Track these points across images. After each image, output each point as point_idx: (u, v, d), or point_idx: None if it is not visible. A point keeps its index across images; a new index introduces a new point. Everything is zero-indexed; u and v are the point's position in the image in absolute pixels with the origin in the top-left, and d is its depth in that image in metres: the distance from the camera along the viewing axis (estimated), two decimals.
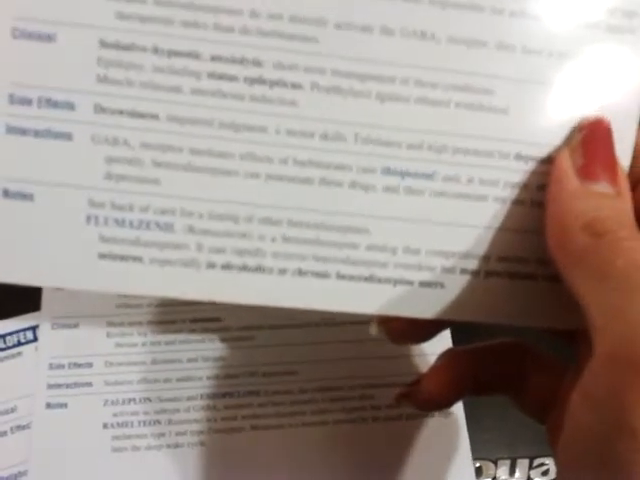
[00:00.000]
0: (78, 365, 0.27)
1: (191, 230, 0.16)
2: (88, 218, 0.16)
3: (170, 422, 0.26)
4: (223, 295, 0.17)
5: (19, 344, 0.27)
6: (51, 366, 0.27)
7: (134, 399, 0.26)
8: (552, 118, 0.17)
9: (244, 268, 0.17)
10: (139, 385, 0.27)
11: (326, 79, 0.16)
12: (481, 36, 0.16)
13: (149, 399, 0.27)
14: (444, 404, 0.20)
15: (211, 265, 0.16)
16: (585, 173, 0.16)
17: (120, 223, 0.16)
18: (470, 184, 0.17)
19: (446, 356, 0.20)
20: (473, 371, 0.20)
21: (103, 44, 0.15)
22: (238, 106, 0.16)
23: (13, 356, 0.27)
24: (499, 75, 0.16)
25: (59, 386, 0.26)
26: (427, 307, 0.17)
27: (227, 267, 0.16)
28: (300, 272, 0.17)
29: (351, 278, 0.17)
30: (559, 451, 0.15)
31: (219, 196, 0.16)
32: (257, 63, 0.16)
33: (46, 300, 0.28)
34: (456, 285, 0.17)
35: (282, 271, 0.17)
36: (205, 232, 0.16)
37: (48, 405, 0.26)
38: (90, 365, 0.27)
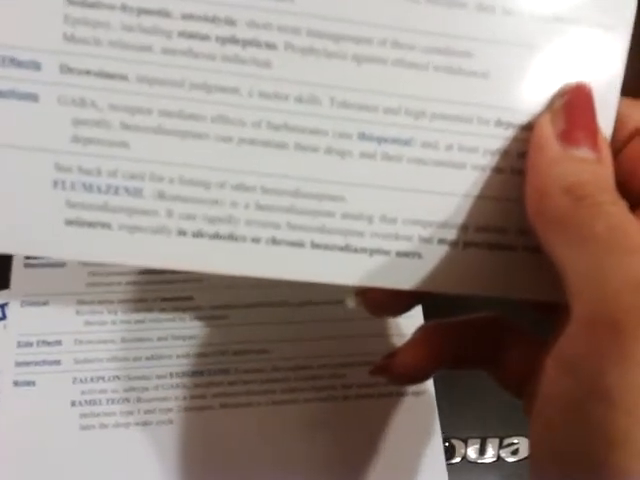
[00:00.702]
0: (47, 343, 0.26)
1: (161, 196, 0.16)
2: (55, 183, 0.15)
3: (139, 400, 0.26)
4: (193, 264, 0.16)
5: None
6: (19, 344, 0.26)
7: (103, 377, 0.26)
8: (533, 84, 0.16)
9: (216, 236, 0.16)
10: (108, 363, 0.26)
11: (301, 39, 0.15)
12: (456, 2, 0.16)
13: (118, 377, 0.26)
14: (420, 377, 0.20)
15: (182, 232, 0.16)
16: (566, 138, 0.15)
17: (88, 188, 0.15)
18: (449, 151, 0.16)
19: (423, 330, 0.20)
20: (450, 345, 0.20)
21: (70, 1, 0.15)
22: (210, 66, 0.15)
23: None
24: (479, 38, 0.16)
25: (27, 364, 0.26)
26: (404, 278, 0.17)
27: (198, 235, 0.16)
28: (274, 241, 0.16)
29: (326, 247, 0.16)
30: (532, 419, 0.15)
31: (190, 160, 0.16)
32: (230, 22, 0.15)
33: (15, 278, 0.27)
34: (434, 255, 0.17)
35: (255, 240, 0.16)
36: (175, 198, 0.16)
37: (16, 383, 0.25)
38: (59, 343, 0.26)
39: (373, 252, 0.17)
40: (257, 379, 0.26)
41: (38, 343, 0.26)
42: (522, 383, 0.19)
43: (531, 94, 0.16)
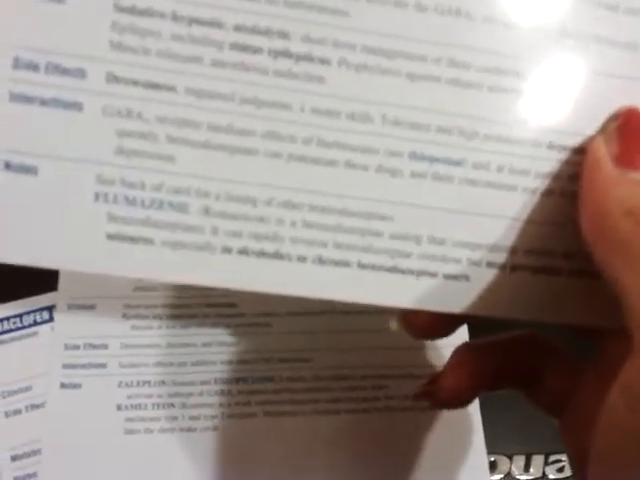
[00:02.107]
0: (93, 346, 0.26)
1: (206, 212, 0.15)
2: (96, 195, 0.14)
3: (184, 406, 0.25)
4: (238, 282, 0.15)
5: (35, 324, 0.26)
6: (66, 346, 0.26)
7: (148, 382, 0.25)
8: (586, 106, 0.16)
9: (261, 254, 0.15)
10: (154, 368, 0.26)
11: (356, 55, 0.15)
12: (515, 17, 0.15)
13: (163, 382, 0.25)
14: (463, 401, 0.19)
15: (227, 250, 0.15)
16: (622, 161, 0.15)
17: (131, 201, 0.15)
18: (500, 173, 0.16)
19: (461, 351, 0.19)
20: (490, 366, 0.19)
21: (118, 8, 0.14)
22: (261, 80, 0.15)
23: (29, 335, 0.26)
24: (532, 59, 0.15)
25: (74, 366, 0.25)
26: (451, 301, 0.16)
27: (243, 252, 0.15)
28: (320, 260, 0.15)
29: (373, 268, 0.16)
30: (592, 448, 0.14)
31: (237, 176, 0.15)
32: (283, 35, 0.14)
33: (63, 280, 0.26)
34: (482, 278, 0.16)
35: (301, 258, 0.15)
36: (221, 214, 0.15)
37: (62, 385, 0.25)
38: (105, 346, 0.26)
39: (420, 274, 0.16)
40: (300, 388, 0.26)
41: (85, 346, 0.26)
42: (559, 405, 0.18)
43: (584, 117, 0.16)
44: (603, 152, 0.15)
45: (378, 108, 0.15)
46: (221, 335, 0.26)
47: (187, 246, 0.15)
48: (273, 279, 0.15)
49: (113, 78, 0.14)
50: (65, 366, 0.25)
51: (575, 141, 0.16)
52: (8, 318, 0.26)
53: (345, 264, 0.15)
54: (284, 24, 0.14)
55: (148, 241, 0.15)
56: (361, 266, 0.16)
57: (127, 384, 0.25)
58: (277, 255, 0.15)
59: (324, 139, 0.15)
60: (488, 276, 0.16)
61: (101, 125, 0.14)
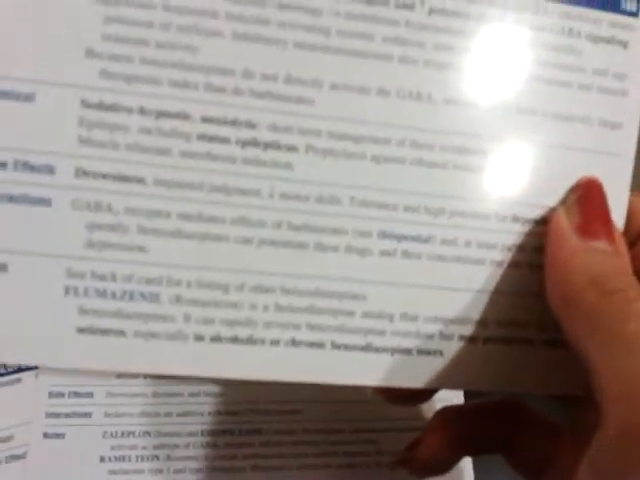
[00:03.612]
0: (78, 394, 0.25)
1: (178, 300, 0.15)
2: (67, 289, 0.14)
3: (169, 458, 0.24)
4: (212, 370, 0.15)
5: (19, 370, 0.25)
6: (51, 394, 0.25)
7: (133, 432, 0.24)
8: (546, 179, 0.16)
9: (235, 340, 0.15)
10: (139, 418, 0.24)
11: (322, 141, 0.15)
12: (474, 97, 0.16)
13: (149, 433, 0.24)
14: (442, 467, 0.19)
15: (199, 337, 0.15)
16: (583, 231, 0.15)
17: (101, 294, 0.14)
18: (467, 247, 0.16)
19: (439, 417, 0.19)
20: (468, 432, 0.19)
21: (85, 104, 0.14)
22: (230, 169, 0.15)
23: (12, 382, 0.25)
24: (494, 136, 0.16)
25: (58, 415, 0.24)
26: (425, 376, 0.16)
27: (216, 339, 0.15)
28: (294, 342, 0.15)
29: (347, 348, 0.15)
30: None
31: (208, 263, 0.15)
32: (250, 125, 0.14)
33: None
34: (455, 352, 0.16)
35: (275, 342, 0.15)
36: (193, 302, 0.15)
37: (45, 435, 0.24)
38: (91, 395, 0.25)
39: (394, 351, 0.16)
40: (289, 441, 0.25)
41: (70, 394, 0.25)
42: (537, 469, 0.18)
43: (545, 189, 0.16)
44: (565, 223, 0.15)
45: (346, 190, 0.15)
46: (208, 385, 0.25)
47: (159, 336, 0.14)
48: (247, 365, 0.15)
49: (82, 173, 0.14)
50: (48, 415, 0.24)
51: (538, 213, 0.16)
52: None
53: (319, 345, 0.15)
54: (251, 114, 0.14)
55: (120, 333, 0.14)
56: (335, 346, 0.15)
57: (112, 434, 0.24)
58: (250, 340, 0.15)
59: (294, 223, 0.15)
60: (461, 350, 0.16)
61: (70, 219, 0.14)
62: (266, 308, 0.15)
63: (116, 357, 0.14)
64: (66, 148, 0.14)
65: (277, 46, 0.14)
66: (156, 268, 0.14)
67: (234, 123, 0.14)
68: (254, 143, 0.14)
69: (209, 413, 0.25)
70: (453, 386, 0.16)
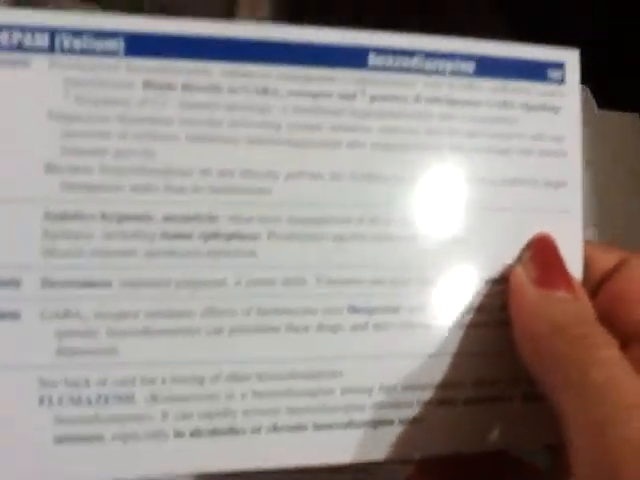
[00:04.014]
0: None
1: (154, 398, 0.14)
2: (41, 399, 0.14)
3: None
4: (195, 465, 0.14)
5: None
6: None
7: None
8: (503, 241, 0.17)
9: (214, 432, 0.15)
10: None
11: (282, 227, 0.15)
12: (424, 172, 0.16)
13: None
14: None
15: (179, 434, 0.14)
16: (542, 282, 0.15)
17: (76, 401, 0.14)
18: (435, 313, 0.16)
19: (420, 467, 0.19)
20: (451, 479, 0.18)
21: (48, 216, 0.14)
22: (195, 263, 0.15)
23: None
24: (448, 205, 0.16)
25: None
26: (411, 446, 0.16)
27: (197, 433, 0.15)
28: (275, 428, 0.15)
29: (329, 427, 0.15)
30: None
31: (181, 358, 0.15)
32: (211, 218, 0.15)
33: None
34: (437, 417, 0.16)
35: (255, 429, 0.15)
36: (169, 398, 0.14)
37: None
38: None
39: (377, 424, 0.16)
40: None
41: None
42: None
43: (502, 251, 0.17)
44: (523, 278, 0.16)
45: (311, 270, 0.15)
46: None
47: (138, 437, 0.14)
48: (229, 456, 0.15)
49: (48, 283, 0.14)
50: None
51: (497, 273, 0.16)
52: None
53: (301, 428, 0.15)
54: (211, 208, 0.15)
55: (98, 438, 0.14)
56: (317, 427, 0.15)
57: None
58: (231, 430, 0.15)
59: (263, 307, 0.15)
60: (442, 413, 0.16)
61: (40, 329, 0.14)
62: (244, 396, 0.15)
63: (96, 464, 0.14)
64: (31, 260, 0.14)
65: (230, 143, 0.15)
66: (129, 369, 0.14)
67: (196, 218, 0.15)
68: (217, 235, 0.15)
69: None
70: (440, 451, 0.16)
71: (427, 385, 0.16)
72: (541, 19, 0.33)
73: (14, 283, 0.14)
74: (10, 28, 0.14)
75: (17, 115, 0.14)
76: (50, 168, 0.14)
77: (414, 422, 0.16)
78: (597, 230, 0.30)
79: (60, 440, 0.14)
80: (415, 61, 0.16)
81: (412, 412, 0.16)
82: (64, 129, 0.14)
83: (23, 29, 0.14)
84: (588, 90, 0.31)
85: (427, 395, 0.16)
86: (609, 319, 0.16)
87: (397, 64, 0.16)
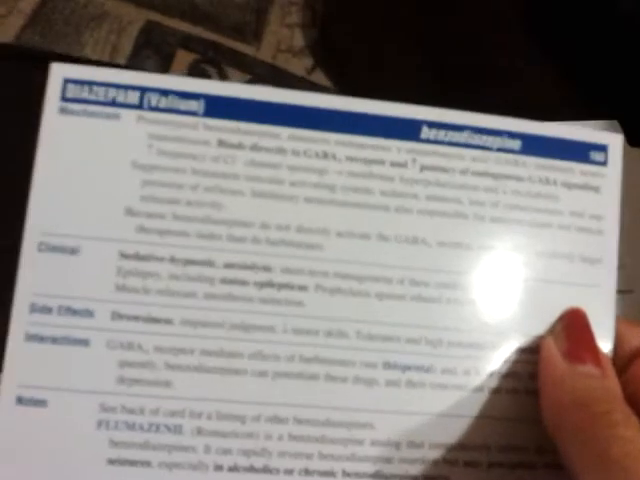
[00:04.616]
0: None
1: (199, 432, 0.16)
2: (99, 423, 0.15)
3: None
4: None
5: None
6: None
7: None
8: (536, 311, 0.17)
9: (250, 469, 0.16)
10: None
11: (329, 281, 0.17)
12: (466, 239, 0.17)
13: None
14: None
15: (218, 467, 0.16)
16: (571, 356, 0.16)
17: (130, 427, 0.15)
18: (467, 376, 0.17)
19: None
20: None
21: (123, 255, 0.16)
22: (248, 308, 0.16)
23: None
24: (486, 273, 0.17)
25: None
26: None
27: (234, 469, 0.16)
28: (306, 471, 0.16)
29: (357, 476, 0.16)
30: None
31: (227, 396, 0.16)
32: (266, 269, 0.16)
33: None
34: (461, 477, 0.17)
35: (288, 471, 0.16)
36: (213, 433, 0.16)
37: None
38: None
39: (402, 478, 0.16)
40: None
41: None
42: None
43: (535, 320, 0.17)
44: (554, 350, 0.17)
45: (352, 325, 0.17)
46: None
47: (182, 466, 0.15)
48: None
49: (117, 316, 0.16)
50: None
51: (530, 342, 0.17)
52: None
53: (331, 474, 0.16)
54: (267, 259, 0.16)
55: (146, 463, 0.15)
56: (345, 475, 0.16)
57: None
58: (266, 469, 0.16)
59: (305, 355, 0.16)
60: (467, 475, 0.17)
61: (105, 358, 0.15)
62: (280, 438, 0.16)
63: None
64: (104, 294, 0.16)
65: (289, 201, 0.17)
66: (180, 401, 0.16)
67: (252, 268, 0.16)
68: (269, 284, 0.16)
69: None
70: None
71: (454, 445, 0.17)
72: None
73: (88, 314, 0.15)
74: (106, 85, 0.16)
75: (105, 162, 0.16)
76: (129, 212, 0.16)
77: (438, 479, 0.16)
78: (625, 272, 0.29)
79: (113, 462, 0.15)
80: (464, 136, 0.18)
81: (437, 470, 0.17)
82: (145, 178, 0.16)
83: (117, 86, 0.16)
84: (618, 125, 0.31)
85: (453, 455, 0.17)
86: (636, 396, 0.16)
87: (447, 138, 0.18)
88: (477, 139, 0.18)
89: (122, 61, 0.31)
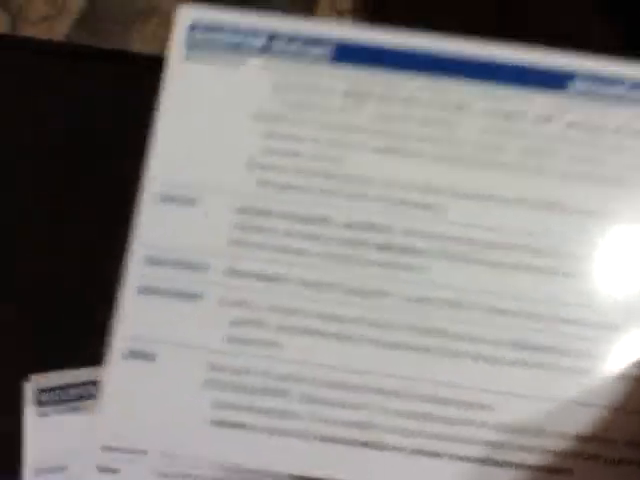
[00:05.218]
0: None
1: (306, 399, 0.15)
2: (206, 382, 0.15)
3: None
4: (333, 471, 0.15)
5: (80, 398, 0.24)
6: None
7: (190, 475, 0.22)
8: None
9: (356, 442, 0.15)
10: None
11: (455, 247, 0.15)
12: (613, 209, 0.16)
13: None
14: None
15: (323, 438, 0.15)
16: None
17: (237, 388, 0.15)
18: (602, 361, 0.15)
19: None
20: None
21: (241, 209, 0.15)
22: (366, 271, 0.15)
23: (73, 410, 0.24)
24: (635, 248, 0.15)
25: (113, 449, 0.22)
26: None
27: (340, 441, 0.15)
28: (417, 450, 0.15)
29: (469, 460, 0.15)
30: None
31: (339, 363, 0.15)
32: (387, 230, 0.15)
33: None
34: (586, 472, 0.15)
35: (397, 448, 0.15)
36: (319, 401, 0.15)
37: (100, 468, 0.22)
38: None
39: (519, 466, 0.15)
40: None
41: None
42: None
43: None
44: None
45: (479, 297, 0.15)
46: None
47: (286, 433, 0.15)
48: (367, 469, 0.15)
49: (232, 271, 0.15)
50: (104, 448, 0.23)
51: None
52: (54, 389, 0.24)
53: (441, 455, 0.15)
54: (388, 219, 0.15)
55: (250, 427, 0.15)
56: (457, 458, 0.15)
57: (166, 475, 0.23)
58: (372, 444, 0.15)
59: (425, 327, 0.15)
60: (592, 469, 0.15)
61: (217, 314, 0.15)
62: (391, 412, 0.15)
63: (244, 450, 0.15)
64: (220, 248, 0.15)
65: (416, 157, 0.15)
66: (290, 365, 0.15)
67: (372, 228, 0.15)
68: (390, 247, 0.15)
69: None
70: None
71: (578, 436, 0.15)
72: None
73: (203, 267, 0.15)
74: (233, 31, 0.15)
75: (228, 112, 0.15)
76: (250, 164, 0.15)
77: (560, 472, 0.15)
78: None
79: (216, 423, 0.15)
80: (621, 90, 0.16)
81: (560, 461, 0.15)
82: (267, 129, 0.15)
83: (244, 32, 0.15)
84: None
85: (579, 446, 0.15)
86: None
87: (601, 91, 0.16)
88: (636, 94, 0.15)
89: None
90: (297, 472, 0.15)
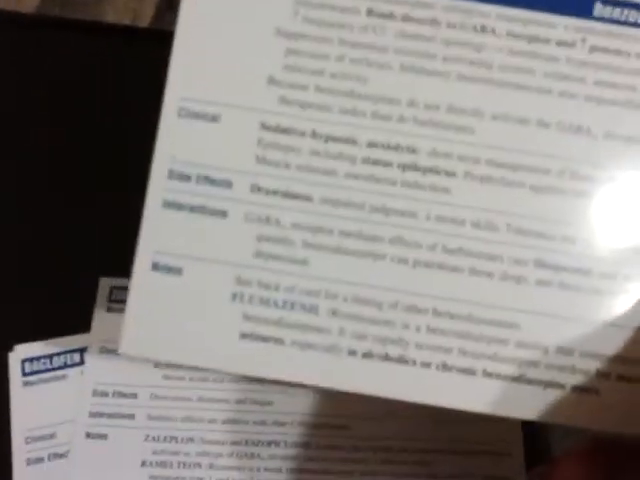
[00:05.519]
0: (123, 395, 0.24)
1: (335, 314, 0.15)
2: (234, 295, 0.15)
3: (211, 467, 0.23)
4: (362, 386, 0.15)
5: (65, 366, 0.24)
6: (95, 392, 0.24)
7: (176, 437, 0.23)
8: None
9: (385, 358, 0.15)
10: (182, 423, 0.23)
11: (480, 168, 0.15)
12: (632, 133, 0.15)
13: (192, 439, 0.23)
14: None
15: (352, 352, 0.15)
16: None
17: (265, 302, 0.15)
18: (628, 282, 0.15)
19: (589, 446, 0.17)
20: (617, 469, 0.17)
21: (264, 126, 0.15)
22: (390, 191, 0.15)
23: (57, 378, 0.24)
24: None
25: (101, 415, 0.23)
26: (581, 416, 0.15)
27: (368, 355, 0.15)
28: (445, 367, 0.15)
29: (498, 377, 0.15)
30: None
31: (365, 280, 0.15)
32: (412, 150, 0.15)
33: (97, 322, 0.24)
34: (613, 392, 0.15)
35: (425, 364, 0.15)
36: (348, 316, 0.15)
37: (88, 435, 0.23)
38: (135, 396, 0.24)
39: (547, 385, 0.15)
40: (336, 457, 0.23)
41: (114, 394, 0.24)
42: None
43: None
44: None
45: (503, 217, 0.15)
46: (255, 393, 0.24)
47: (315, 347, 0.15)
48: (396, 384, 0.15)
49: (256, 188, 0.15)
50: (92, 414, 0.23)
51: None
52: (38, 358, 0.24)
53: (470, 372, 0.15)
54: (413, 140, 0.15)
55: (279, 341, 0.15)
56: (486, 374, 0.15)
57: (154, 438, 0.23)
58: (401, 360, 0.15)
59: (449, 246, 0.15)
60: (619, 390, 0.15)
61: (242, 230, 0.15)
62: (418, 329, 0.15)
63: (273, 364, 0.15)
64: (244, 165, 0.15)
65: (441, 77, 0.15)
66: (316, 281, 0.15)
67: (397, 148, 0.15)
68: (414, 167, 0.15)
69: (255, 422, 0.23)
70: (610, 427, 0.15)
71: (606, 356, 0.15)
72: None
73: (227, 184, 0.15)
74: None
75: (247, 29, 0.15)
76: (271, 82, 0.15)
77: (587, 392, 0.15)
78: None
79: (245, 336, 0.15)
80: None
81: (587, 381, 0.15)
82: (289, 47, 0.15)
83: None
84: None
85: (605, 367, 0.15)
86: None
87: (624, 16, 0.15)
88: None
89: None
90: (325, 385, 0.15)
